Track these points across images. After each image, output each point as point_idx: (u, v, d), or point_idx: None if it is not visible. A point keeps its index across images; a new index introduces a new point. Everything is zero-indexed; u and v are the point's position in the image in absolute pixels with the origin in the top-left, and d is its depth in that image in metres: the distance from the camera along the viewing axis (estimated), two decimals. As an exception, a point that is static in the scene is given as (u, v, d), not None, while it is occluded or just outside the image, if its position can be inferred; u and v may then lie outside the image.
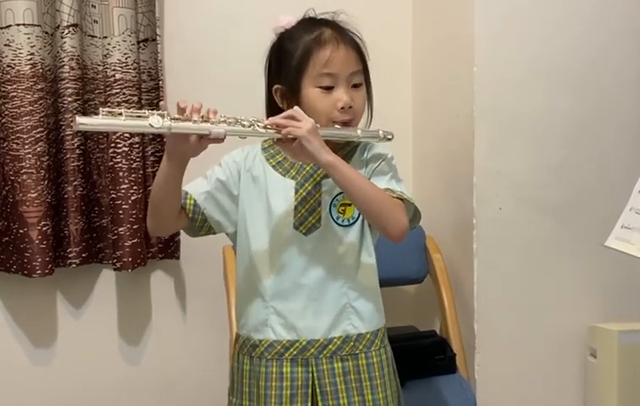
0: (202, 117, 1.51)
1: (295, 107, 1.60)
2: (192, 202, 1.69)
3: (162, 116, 1.48)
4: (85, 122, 1.47)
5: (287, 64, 1.68)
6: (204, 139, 1.52)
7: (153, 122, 1.47)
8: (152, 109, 2.36)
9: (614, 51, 2.40)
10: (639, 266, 1.80)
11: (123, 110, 1.48)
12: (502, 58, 2.33)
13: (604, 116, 2.41)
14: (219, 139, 1.52)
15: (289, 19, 1.73)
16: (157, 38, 2.43)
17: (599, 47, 2.39)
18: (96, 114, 1.47)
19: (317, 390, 1.65)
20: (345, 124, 1.67)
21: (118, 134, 2.35)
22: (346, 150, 1.71)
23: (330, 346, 1.66)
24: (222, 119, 1.53)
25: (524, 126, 2.35)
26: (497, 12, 2.32)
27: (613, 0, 2.40)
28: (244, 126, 1.55)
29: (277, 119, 1.58)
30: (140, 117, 1.48)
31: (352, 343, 1.67)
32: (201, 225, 1.71)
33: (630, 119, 2.43)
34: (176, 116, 1.50)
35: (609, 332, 2.29)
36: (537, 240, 2.38)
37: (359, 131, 1.67)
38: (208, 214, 1.70)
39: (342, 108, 1.65)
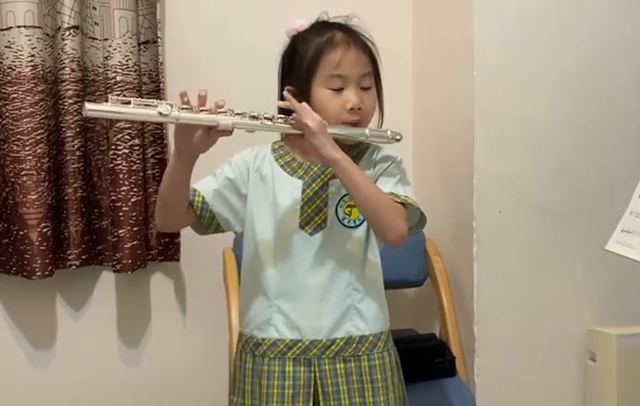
0: (210, 109, 1.52)
1: (303, 104, 1.61)
2: (200, 199, 1.69)
3: (171, 105, 1.49)
4: (93, 108, 1.49)
5: (298, 65, 1.69)
6: (212, 132, 1.53)
7: (162, 110, 1.49)
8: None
9: (615, 55, 2.40)
10: (639, 270, 1.79)
11: (131, 98, 1.50)
12: (502, 61, 2.33)
13: (605, 120, 2.41)
14: (227, 132, 1.53)
15: (301, 22, 1.73)
16: (158, 40, 2.44)
17: (602, 52, 2.39)
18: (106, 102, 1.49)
19: (319, 390, 1.65)
20: (354, 126, 1.67)
21: (118, 136, 2.36)
22: (356, 151, 1.71)
23: (333, 347, 1.66)
24: (229, 112, 1.54)
25: (524, 129, 2.35)
26: (497, 14, 2.32)
27: (617, 5, 2.40)
28: (252, 118, 1.56)
29: (292, 99, 1.61)
30: (148, 105, 1.49)
31: (355, 345, 1.67)
32: (209, 222, 1.71)
33: (631, 124, 2.42)
34: (184, 106, 1.51)
35: (609, 336, 2.29)
36: (537, 243, 2.37)
37: (367, 131, 1.68)
38: (216, 211, 1.70)
39: (351, 109, 1.66)
